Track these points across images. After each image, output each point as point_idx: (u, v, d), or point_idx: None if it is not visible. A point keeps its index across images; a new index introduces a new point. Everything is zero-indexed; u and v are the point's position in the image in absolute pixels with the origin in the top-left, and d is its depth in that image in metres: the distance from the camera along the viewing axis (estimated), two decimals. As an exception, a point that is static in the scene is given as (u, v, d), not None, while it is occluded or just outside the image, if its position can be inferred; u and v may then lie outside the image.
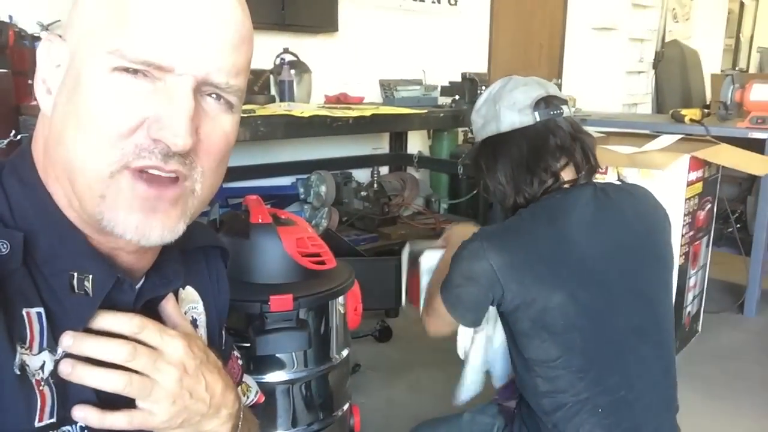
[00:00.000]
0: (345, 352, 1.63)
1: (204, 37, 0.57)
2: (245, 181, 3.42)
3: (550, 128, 1.29)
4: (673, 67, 5.98)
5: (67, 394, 0.58)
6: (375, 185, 3.65)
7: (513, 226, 1.29)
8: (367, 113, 3.04)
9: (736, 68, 7.44)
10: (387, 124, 3.35)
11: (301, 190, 3.42)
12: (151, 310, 0.67)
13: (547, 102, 1.29)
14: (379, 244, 3.36)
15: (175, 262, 0.71)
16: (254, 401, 0.95)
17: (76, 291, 0.59)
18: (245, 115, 2.69)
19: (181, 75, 0.56)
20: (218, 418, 0.67)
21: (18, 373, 0.54)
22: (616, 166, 2.27)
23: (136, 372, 0.60)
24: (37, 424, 0.55)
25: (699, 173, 2.41)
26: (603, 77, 5.73)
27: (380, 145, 4.16)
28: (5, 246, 0.55)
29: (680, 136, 2.41)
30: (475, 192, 3.81)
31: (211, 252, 0.82)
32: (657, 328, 1.31)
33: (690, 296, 2.62)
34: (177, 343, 0.63)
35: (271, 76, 3.45)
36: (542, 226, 1.26)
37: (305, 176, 3.53)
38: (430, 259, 1.55)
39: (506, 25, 4.83)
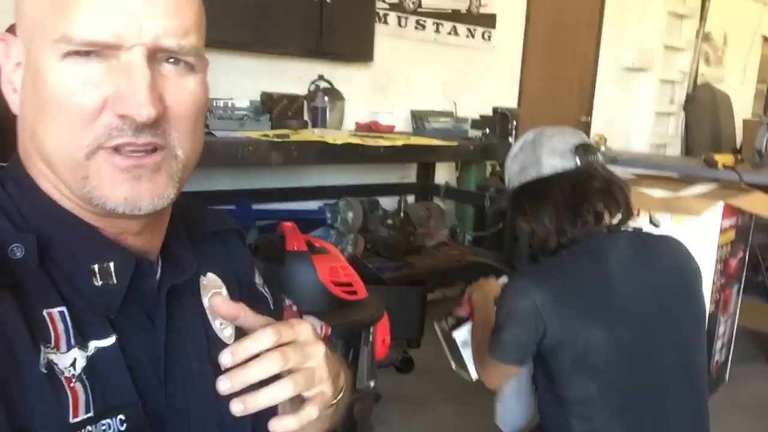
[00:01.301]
0: (371, 383, 1.63)
1: (143, 5, 0.57)
2: (273, 203, 3.46)
3: (591, 172, 1.32)
4: (703, 110, 5.94)
5: (105, 388, 0.58)
6: (401, 214, 3.67)
7: (555, 265, 1.31)
8: (399, 143, 3.07)
9: (768, 114, 7.38)
10: (417, 154, 3.38)
11: (329, 215, 3.44)
12: (171, 298, 0.66)
13: (585, 149, 1.33)
14: (403, 273, 3.36)
15: (185, 250, 0.71)
16: (323, 334, 0.93)
17: (100, 282, 0.59)
18: (279, 140, 2.74)
19: (130, 48, 0.56)
20: (340, 378, 0.68)
21: (45, 371, 0.55)
22: (650, 209, 2.26)
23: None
24: (72, 420, 0.55)
25: (732, 221, 2.39)
26: (633, 117, 5.73)
27: (408, 174, 4.18)
28: (20, 249, 0.56)
29: (715, 185, 2.39)
30: (501, 226, 3.81)
31: (226, 236, 0.81)
32: (692, 374, 1.31)
33: (719, 344, 2.58)
34: (303, 326, 0.62)
35: (305, 102, 3.50)
36: (584, 265, 1.28)
37: (332, 201, 3.55)
38: (463, 334, 1.57)
39: (538, 62, 4.86)
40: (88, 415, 0.57)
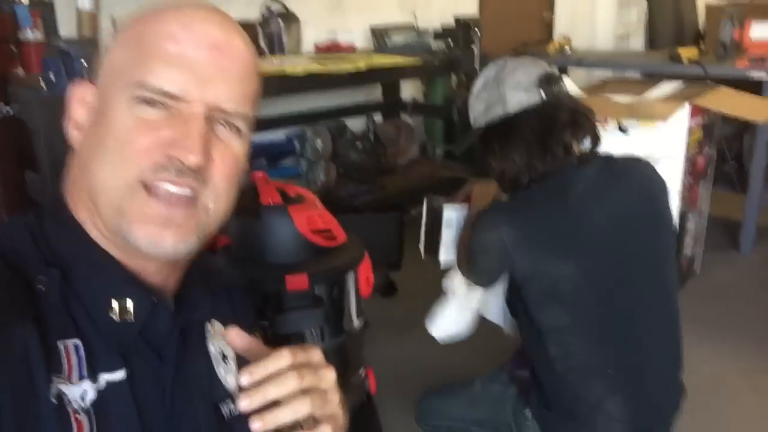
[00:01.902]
0: (359, 322, 1.67)
1: (214, 69, 0.64)
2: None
3: (557, 104, 1.31)
4: (665, -2, 5.85)
5: (111, 424, 0.60)
6: (371, 135, 3.62)
7: (525, 199, 1.32)
8: (361, 65, 2.98)
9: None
10: (382, 75, 3.30)
11: (297, 144, 3.38)
12: (185, 337, 0.70)
13: (549, 79, 1.31)
14: (377, 196, 3.36)
15: (200, 292, 0.75)
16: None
17: (119, 318, 0.63)
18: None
19: (193, 102, 0.63)
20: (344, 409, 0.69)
21: (54, 402, 0.57)
22: (617, 116, 2.26)
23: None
24: None
25: (699, 120, 2.41)
26: (595, 8, 5.62)
27: (373, 92, 4.09)
28: (44, 282, 0.60)
29: (680, 83, 2.39)
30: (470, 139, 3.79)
31: (234, 293, 0.85)
32: (664, 293, 1.36)
33: (688, 239, 2.67)
34: (315, 351, 0.64)
35: (259, 29, 3.36)
36: (552, 200, 1.29)
37: (299, 130, 3.48)
38: (451, 214, 1.60)
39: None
40: None
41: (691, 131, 2.34)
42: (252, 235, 1.46)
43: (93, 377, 0.60)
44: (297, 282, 1.41)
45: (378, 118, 4.06)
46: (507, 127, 1.32)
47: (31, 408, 0.55)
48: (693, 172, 2.51)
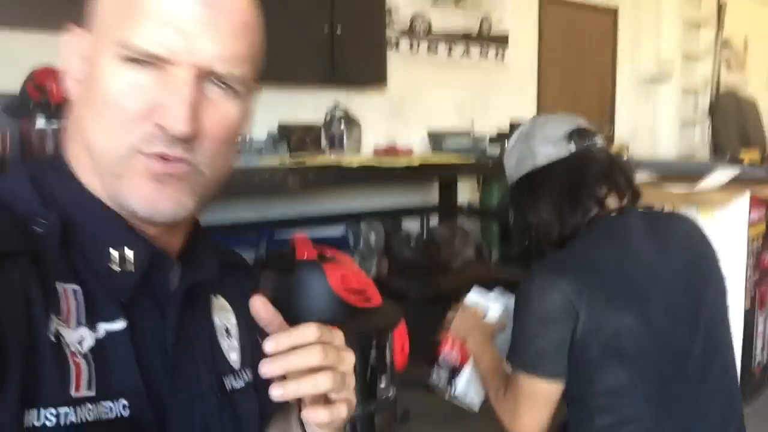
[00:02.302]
0: (391, 392, 1.60)
1: (203, 27, 0.60)
2: (298, 231, 3.47)
3: (587, 157, 1.28)
4: (729, 118, 5.85)
5: (110, 371, 0.59)
6: (425, 235, 3.65)
7: (570, 253, 1.26)
8: (416, 162, 3.07)
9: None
10: (435, 172, 3.37)
11: (351, 238, 3.44)
12: (190, 301, 0.68)
13: (580, 133, 1.29)
14: (428, 292, 3.32)
15: (209, 257, 0.73)
16: None
17: (119, 268, 0.61)
18: (295, 165, 2.76)
19: (182, 65, 0.59)
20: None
21: (53, 340, 0.56)
22: (673, 205, 2.20)
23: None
24: (74, 394, 0.56)
25: (761, 212, 2.31)
26: (656, 128, 5.66)
27: (430, 195, 4.17)
28: (43, 225, 0.59)
29: (736, 171, 2.33)
30: (528, 243, 3.76)
31: (239, 272, 0.83)
32: (721, 352, 1.27)
33: (759, 343, 2.48)
34: (339, 333, 0.63)
35: (322, 130, 3.54)
36: (601, 249, 1.24)
37: (356, 225, 3.55)
38: (462, 387, 1.48)
39: (554, 77, 4.85)
40: (90, 393, 0.57)
41: (753, 223, 2.24)
42: (286, 290, 1.46)
43: (91, 325, 0.59)
44: (326, 337, 1.38)
45: (435, 221, 4.11)
46: (536, 180, 1.30)
47: (30, 341, 0.54)
48: (759, 268, 2.38)
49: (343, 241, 3.52)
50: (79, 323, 0.58)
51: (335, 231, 3.66)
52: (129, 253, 0.62)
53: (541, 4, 4.68)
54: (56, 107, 2.36)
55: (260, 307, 0.60)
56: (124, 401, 0.59)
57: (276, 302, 1.22)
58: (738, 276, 2.20)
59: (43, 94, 2.30)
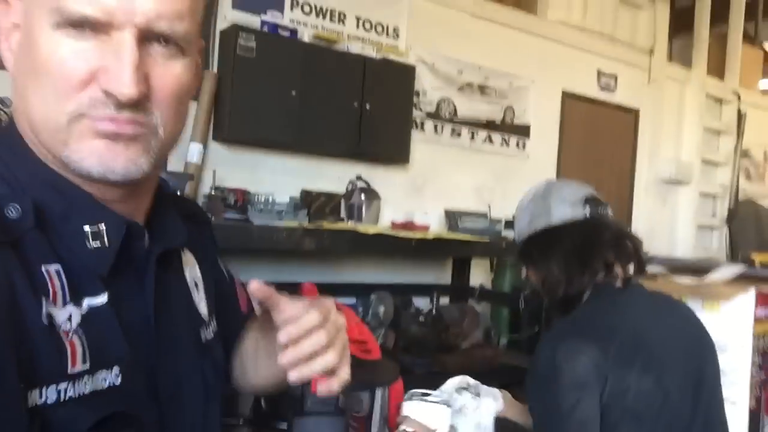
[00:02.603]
0: (382, 452, 1.60)
1: None
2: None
3: (601, 223, 1.33)
4: (747, 225, 5.88)
5: (99, 342, 0.61)
6: (434, 312, 3.66)
7: (584, 319, 1.28)
8: (430, 236, 3.13)
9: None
10: (449, 248, 3.43)
11: (360, 308, 3.46)
12: (164, 264, 0.70)
13: (594, 200, 1.35)
14: (433, 370, 3.30)
15: (174, 222, 0.75)
16: None
17: (93, 244, 0.62)
18: (312, 227, 2.84)
19: (122, 27, 0.58)
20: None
21: (46, 324, 0.57)
22: (679, 295, 2.22)
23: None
24: (71, 371, 0.58)
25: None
26: (674, 230, 5.69)
27: (443, 275, 4.20)
28: (16, 209, 0.59)
29: (743, 268, 2.35)
30: (537, 329, 3.74)
31: (201, 224, 0.86)
32: (718, 421, 1.27)
33: (765, 449, 2.41)
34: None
35: (342, 200, 3.64)
36: (611, 316, 1.26)
37: (366, 296, 3.58)
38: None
39: (573, 171, 4.95)
40: (85, 367, 0.59)
41: (759, 321, 2.24)
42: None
43: (76, 301, 0.60)
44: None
45: (445, 301, 4.12)
46: (549, 237, 1.34)
47: (25, 331, 0.55)
48: (765, 368, 2.35)
49: (352, 310, 3.55)
50: (65, 301, 0.60)
51: (346, 300, 3.69)
52: (102, 228, 0.62)
53: (564, 99, 4.85)
54: None
55: (257, 288, 0.66)
56: (116, 369, 0.61)
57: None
58: (743, 373, 2.19)
59: None
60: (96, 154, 0.60)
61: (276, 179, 3.43)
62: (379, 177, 3.84)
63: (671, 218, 5.68)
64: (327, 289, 3.69)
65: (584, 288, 1.30)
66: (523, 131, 4.60)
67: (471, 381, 1.53)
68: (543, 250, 1.35)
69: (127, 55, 0.58)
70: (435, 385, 2.69)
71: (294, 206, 3.30)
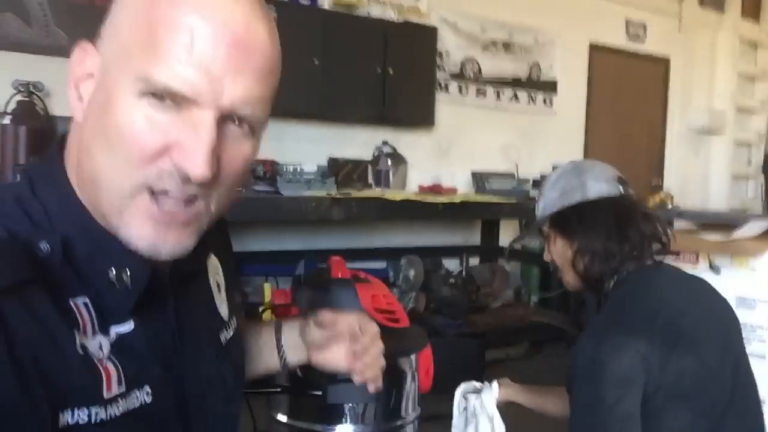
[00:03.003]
0: (415, 414, 1.65)
1: (231, 70, 0.58)
2: (339, 263, 3.57)
3: (635, 200, 1.36)
4: (784, 172, 5.74)
5: (131, 365, 0.63)
6: (464, 273, 3.70)
7: (625, 304, 1.28)
8: (457, 200, 3.15)
9: None
10: (476, 211, 3.45)
11: (391, 272, 3.52)
12: (185, 280, 0.72)
13: (624, 181, 1.38)
14: (465, 330, 3.36)
15: (201, 241, 0.75)
16: None
17: (117, 286, 0.63)
18: (340, 196, 2.88)
19: (206, 107, 0.58)
20: None
21: (81, 353, 0.59)
22: (708, 252, 2.22)
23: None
24: (106, 395, 0.61)
25: (800, 265, 2.29)
26: (707, 180, 5.59)
27: (472, 236, 4.23)
28: (45, 246, 0.59)
29: (771, 223, 2.32)
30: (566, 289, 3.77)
31: (220, 224, 0.86)
32: (751, 393, 1.30)
33: (797, 400, 2.42)
34: (372, 324, 0.94)
35: (369, 166, 3.67)
36: (651, 298, 1.27)
37: (396, 260, 3.64)
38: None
39: (602, 125, 4.89)
40: (121, 390, 0.62)
41: (789, 276, 2.23)
42: (318, 306, 1.55)
43: (105, 331, 0.62)
44: (354, 353, 1.46)
45: (475, 261, 4.16)
46: (585, 212, 1.34)
47: (58, 362, 0.57)
48: (796, 322, 2.34)
49: (383, 275, 3.61)
50: (94, 332, 0.61)
51: (376, 265, 3.75)
52: (126, 272, 0.63)
53: (591, 52, 4.75)
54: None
55: (325, 318, 0.89)
56: (147, 388, 0.64)
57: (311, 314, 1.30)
58: (774, 328, 2.18)
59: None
60: (146, 240, 0.61)
61: (303, 148, 3.46)
62: (404, 141, 3.85)
63: (704, 169, 5.58)
64: (357, 255, 3.77)
65: (620, 263, 1.31)
66: (550, 87, 4.54)
67: (477, 384, 1.62)
68: (581, 221, 1.35)
69: (206, 134, 0.58)
70: (466, 346, 2.75)
71: (322, 175, 3.35)
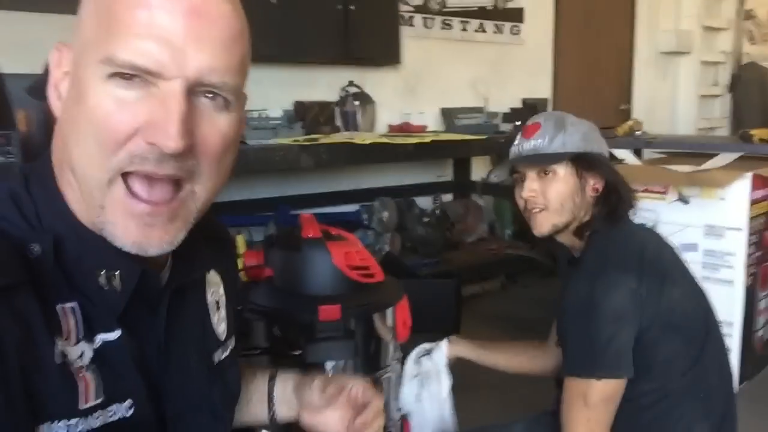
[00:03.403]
0: (394, 360, 1.67)
1: (192, 38, 0.57)
2: (312, 208, 3.55)
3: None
4: (751, 90, 5.77)
5: (112, 377, 0.62)
6: (437, 211, 3.71)
7: (610, 251, 1.30)
8: (427, 140, 3.11)
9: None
10: (447, 150, 3.41)
11: (365, 215, 3.51)
12: (179, 294, 0.70)
13: None
14: (440, 269, 3.40)
15: (200, 249, 0.75)
16: None
17: (106, 288, 0.62)
18: (309, 143, 2.83)
19: (171, 79, 0.57)
20: None
21: (59, 362, 0.58)
22: (676, 185, 2.24)
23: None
24: (82, 406, 0.60)
25: (765, 191, 2.33)
26: (675, 102, 5.60)
27: (444, 173, 4.22)
28: (36, 248, 0.58)
29: (739, 154, 2.35)
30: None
31: (224, 241, 0.87)
32: (716, 320, 1.37)
33: (761, 320, 2.52)
34: (376, 396, 0.89)
35: (336, 108, 3.60)
36: (635, 239, 1.33)
37: (369, 203, 3.62)
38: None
39: (571, 52, 4.83)
40: (98, 401, 0.61)
41: (755, 203, 2.27)
42: (291, 267, 1.53)
43: (90, 338, 0.61)
44: (329, 312, 1.45)
45: (448, 198, 4.16)
46: (603, 163, 1.38)
47: (34, 370, 0.56)
48: (762, 247, 2.41)
49: (356, 218, 3.60)
50: (78, 338, 0.60)
51: (349, 208, 3.73)
52: (116, 275, 0.62)
53: (557, -22, 4.64)
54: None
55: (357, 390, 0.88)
56: (128, 401, 0.63)
57: (282, 279, 1.29)
58: (740, 254, 2.24)
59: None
60: (130, 238, 0.60)
61: (267, 93, 3.36)
62: (371, 80, 3.76)
63: (672, 91, 5.58)
64: (329, 198, 3.74)
65: (627, 210, 1.36)
66: (516, 15, 4.44)
67: (427, 346, 1.67)
68: (599, 168, 1.35)
69: (175, 106, 0.57)
70: (442, 285, 2.78)
71: (288, 119, 3.27)
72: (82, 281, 0.61)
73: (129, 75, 0.57)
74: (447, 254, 3.57)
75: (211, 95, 0.60)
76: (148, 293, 0.66)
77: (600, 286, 1.20)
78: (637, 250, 1.27)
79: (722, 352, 1.35)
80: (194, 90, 0.59)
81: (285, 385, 0.93)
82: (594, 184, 1.35)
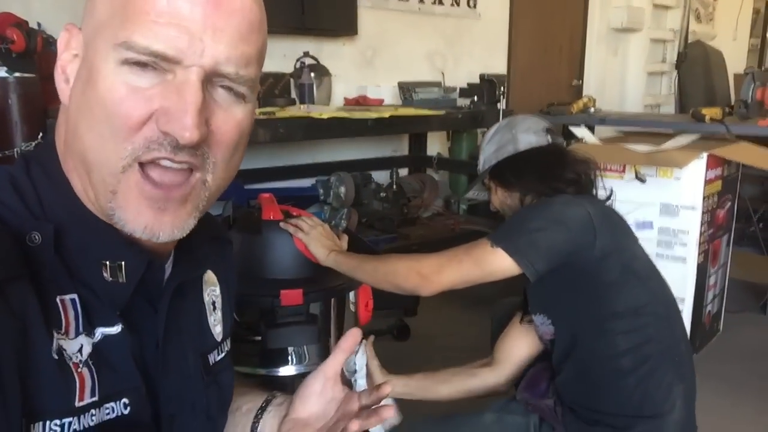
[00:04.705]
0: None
1: (211, 27, 0.56)
2: (266, 182, 3.47)
3: (563, 148, 1.50)
4: (696, 68, 5.89)
5: (110, 373, 0.60)
6: (394, 186, 3.67)
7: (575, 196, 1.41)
8: (386, 114, 3.06)
9: (762, 68, 7.31)
10: (405, 125, 3.37)
11: (321, 190, 3.44)
12: (180, 292, 0.68)
13: (554, 131, 1.51)
14: (398, 244, 3.38)
15: (204, 247, 0.73)
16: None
17: (110, 279, 0.60)
18: (265, 117, 2.74)
19: (188, 67, 0.56)
20: None
21: (56, 357, 0.56)
22: (634, 164, 2.26)
23: None
24: (77, 404, 0.57)
25: (718, 171, 2.39)
26: (624, 78, 5.70)
27: (399, 147, 4.18)
28: (37, 237, 0.57)
29: (697, 135, 2.39)
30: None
31: (224, 242, 0.85)
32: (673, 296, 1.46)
33: (710, 295, 2.60)
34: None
35: (292, 80, 3.50)
36: (594, 201, 1.43)
37: (325, 178, 3.56)
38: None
39: (525, 27, 4.82)
40: (93, 399, 0.58)
41: (709, 182, 2.32)
42: (252, 250, 1.49)
43: (90, 331, 0.59)
44: (291, 297, 1.42)
45: (404, 172, 4.13)
46: (518, 163, 1.45)
47: (33, 365, 0.54)
48: (713, 225, 2.47)
49: (312, 193, 3.53)
50: (77, 332, 0.58)
51: (305, 182, 3.66)
52: (121, 265, 0.61)
53: (514, -49, 4.60)
54: (17, 56, 2.30)
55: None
56: (125, 399, 0.61)
57: (244, 262, 1.23)
58: (694, 232, 2.29)
59: (2, 43, 2.24)
60: (143, 221, 0.59)
61: (219, 64, 3.25)
62: (327, 52, 3.67)
63: (622, 67, 5.67)
64: (286, 173, 3.66)
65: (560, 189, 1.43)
66: (473, -12, 4.39)
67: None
68: (515, 171, 1.46)
69: (192, 95, 0.56)
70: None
71: (242, 91, 3.16)
72: (84, 272, 0.60)
73: (143, 63, 0.56)
74: (403, 229, 3.55)
75: (226, 87, 0.59)
76: (150, 288, 0.65)
77: (559, 199, 1.34)
78: (589, 202, 1.38)
79: (683, 324, 1.45)
80: (210, 79, 0.58)
81: (272, 419, 0.84)
82: (504, 195, 1.51)
